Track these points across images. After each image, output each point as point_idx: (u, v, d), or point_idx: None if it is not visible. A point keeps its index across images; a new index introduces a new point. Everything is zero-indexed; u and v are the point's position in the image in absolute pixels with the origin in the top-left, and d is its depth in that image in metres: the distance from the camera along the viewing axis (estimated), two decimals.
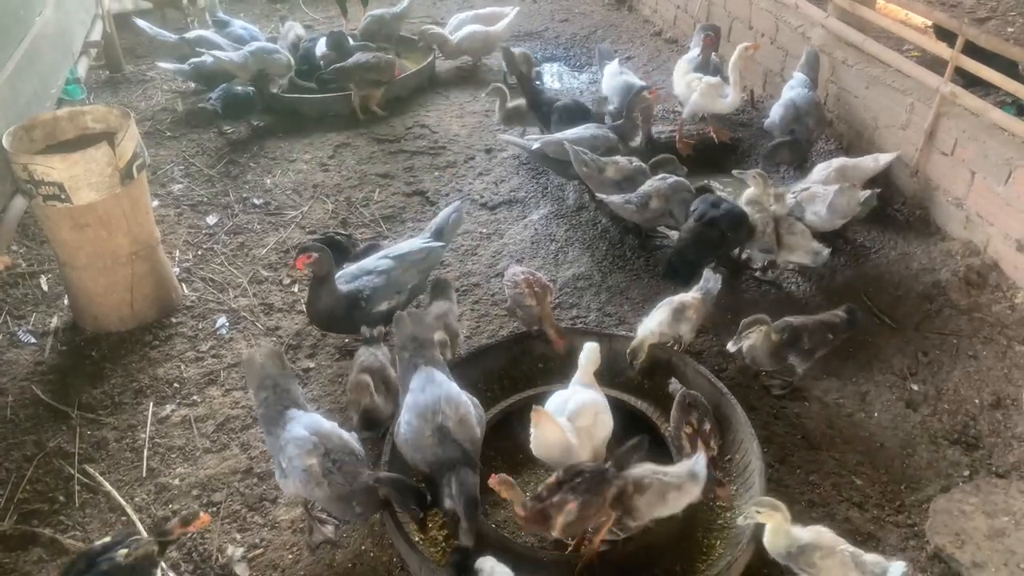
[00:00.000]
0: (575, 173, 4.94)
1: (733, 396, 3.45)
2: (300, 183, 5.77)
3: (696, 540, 3.11)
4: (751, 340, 3.69)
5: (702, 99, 5.59)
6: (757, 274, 4.63)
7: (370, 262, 4.03)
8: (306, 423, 3.03)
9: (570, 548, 2.99)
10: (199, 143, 6.24)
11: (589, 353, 3.33)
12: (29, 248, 5.05)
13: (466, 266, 4.86)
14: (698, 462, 2.91)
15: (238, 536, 3.27)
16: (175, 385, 4.03)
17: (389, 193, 5.64)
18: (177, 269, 4.80)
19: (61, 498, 3.44)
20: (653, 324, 3.71)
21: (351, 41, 6.95)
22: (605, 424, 3.18)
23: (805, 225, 4.43)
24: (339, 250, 4.34)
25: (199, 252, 5.04)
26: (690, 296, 3.85)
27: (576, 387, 3.28)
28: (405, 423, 3.08)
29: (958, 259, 4.45)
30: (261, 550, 3.22)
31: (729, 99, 5.54)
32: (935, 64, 4.87)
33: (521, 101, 5.98)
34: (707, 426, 3.23)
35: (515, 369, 3.86)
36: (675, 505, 2.89)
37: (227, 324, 4.43)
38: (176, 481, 3.52)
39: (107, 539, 2.83)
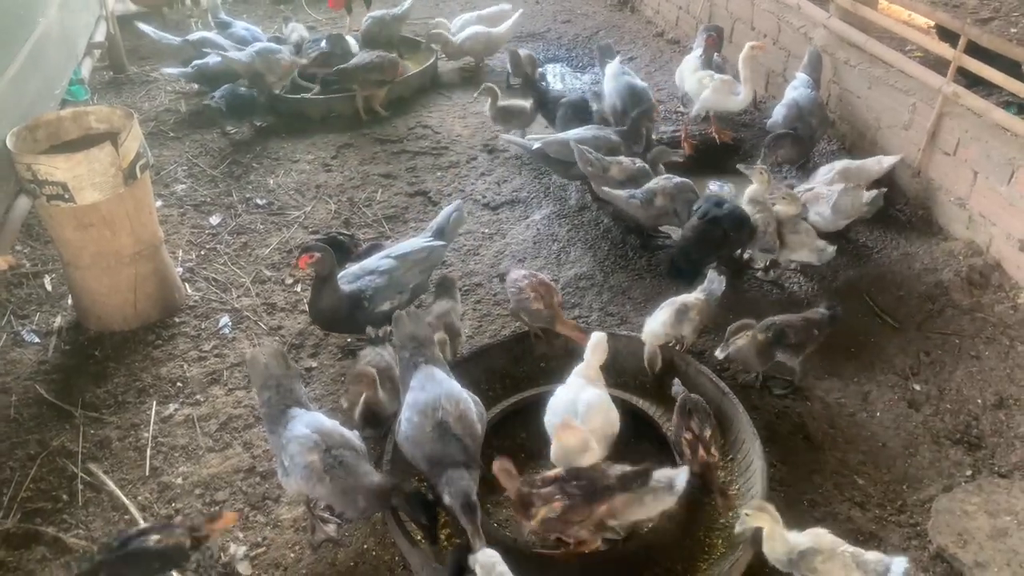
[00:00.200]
0: (576, 173, 4.94)
1: (735, 396, 3.44)
2: (303, 183, 5.78)
3: (697, 539, 3.10)
4: (738, 344, 3.69)
5: (715, 96, 5.58)
6: (759, 274, 4.62)
7: (372, 262, 4.04)
8: (307, 421, 3.04)
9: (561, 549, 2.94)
10: (202, 143, 6.25)
11: (596, 344, 3.27)
12: (33, 248, 5.06)
13: (468, 266, 4.87)
14: (679, 476, 2.83)
15: (241, 535, 3.28)
16: (178, 384, 4.05)
17: (391, 193, 5.65)
18: (180, 269, 4.81)
19: (64, 497, 3.45)
20: (656, 325, 3.70)
21: (346, 45, 6.96)
22: (613, 422, 3.17)
23: (809, 225, 4.44)
24: (341, 250, 4.36)
25: (202, 252, 5.05)
26: (693, 297, 3.84)
27: (579, 381, 3.23)
28: (406, 420, 3.08)
29: (960, 259, 4.44)
30: (264, 549, 3.22)
31: (741, 96, 5.54)
32: (938, 64, 4.87)
33: (514, 101, 6.03)
34: (707, 432, 3.17)
35: (516, 369, 3.86)
36: (651, 509, 2.83)
37: (230, 324, 4.44)
38: (179, 480, 3.53)
39: (145, 525, 2.91)
